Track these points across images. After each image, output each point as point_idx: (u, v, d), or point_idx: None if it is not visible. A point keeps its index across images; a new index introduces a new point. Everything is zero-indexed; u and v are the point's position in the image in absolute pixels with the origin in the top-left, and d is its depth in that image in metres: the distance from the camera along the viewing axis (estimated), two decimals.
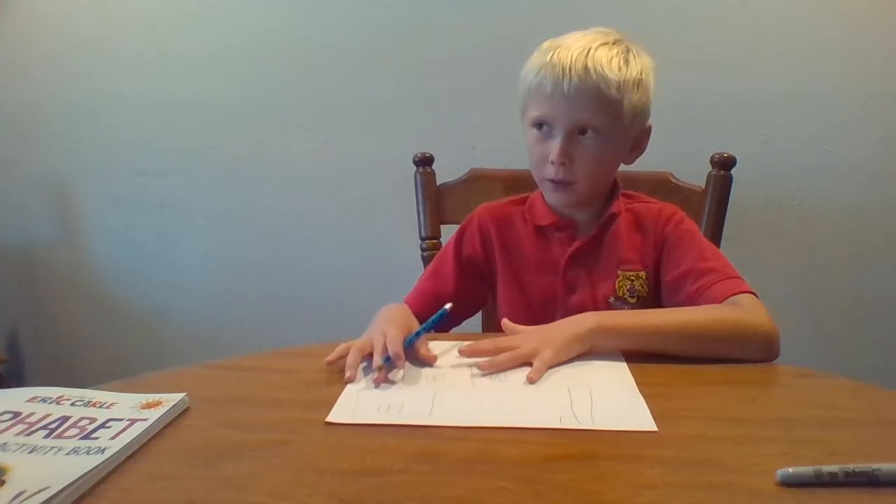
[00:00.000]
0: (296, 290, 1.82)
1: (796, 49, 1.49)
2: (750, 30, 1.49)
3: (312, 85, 1.69)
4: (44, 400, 0.64)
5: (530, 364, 0.73)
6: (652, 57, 0.92)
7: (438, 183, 1.25)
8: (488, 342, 0.78)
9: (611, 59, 0.86)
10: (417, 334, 0.77)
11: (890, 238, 1.55)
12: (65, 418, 0.60)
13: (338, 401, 0.66)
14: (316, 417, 0.62)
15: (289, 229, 1.79)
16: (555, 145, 0.88)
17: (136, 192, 1.84)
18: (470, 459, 0.55)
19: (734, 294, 0.82)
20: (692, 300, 0.87)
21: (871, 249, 1.57)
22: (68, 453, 0.54)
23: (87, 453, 0.54)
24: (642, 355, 0.76)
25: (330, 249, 1.77)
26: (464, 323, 1.03)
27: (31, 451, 0.54)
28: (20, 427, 0.59)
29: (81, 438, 0.57)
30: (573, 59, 0.85)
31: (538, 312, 0.96)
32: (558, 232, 0.97)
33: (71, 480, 0.49)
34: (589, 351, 0.77)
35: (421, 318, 0.87)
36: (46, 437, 0.57)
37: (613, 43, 0.88)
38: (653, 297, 0.95)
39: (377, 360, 0.72)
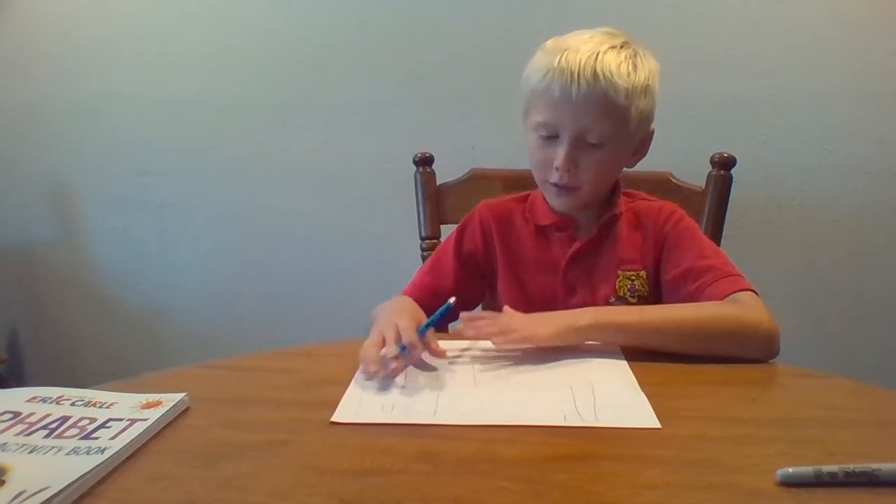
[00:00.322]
0: (296, 290, 1.82)
1: (796, 49, 1.49)
2: (750, 30, 1.49)
3: (312, 85, 1.69)
4: (44, 400, 0.64)
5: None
6: (659, 60, 0.91)
7: (438, 183, 1.25)
8: (485, 317, 0.81)
9: (619, 63, 0.84)
10: (427, 326, 0.77)
11: (890, 238, 1.55)
12: (65, 418, 0.60)
13: (341, 401, 0.66)
14: (316, 417, 0.62)
15: (289, 229, 1.79)
16: (560, 151, 0.87)
17: (136, 192, 1.84)
18: (470, 459, 0.55)
19: (734, 292, 0.82)
20: (692, 299, 0.86)
21: (871, 249, 1.57)
22: (68, 453, 0.54)
23: (87, 453, 0.54)
24: (642, 354, 0.76)
25: (330, 249, 1.77)
26: None
27: (31, 451, 0.54)
28: (20, 427, 0.59)
29: (81, 438, 0.57)
30: (582, 63, 0.83)
31: (539, 307, 0.95)
32: (559, 232, 0.97)
33: (71, 480, 0.49)
34: (584, 343, 0.77)
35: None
36: (46, 437, 0.57)
37: (621, 46, 0.86)
38: (653, 297, 0.95)
39: (392, 349, 0.71)
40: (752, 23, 1.49)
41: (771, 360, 0.77)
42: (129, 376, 0.72)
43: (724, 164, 1.14)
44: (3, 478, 0.50)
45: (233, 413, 0.65)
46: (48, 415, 0.61)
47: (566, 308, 0.84)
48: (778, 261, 1.58)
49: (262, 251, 1.83)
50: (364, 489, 0.50)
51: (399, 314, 0.78)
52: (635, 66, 0.86)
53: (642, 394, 0.66)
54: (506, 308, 0.83)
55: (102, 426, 0.59)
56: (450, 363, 0.76)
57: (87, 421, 0.60)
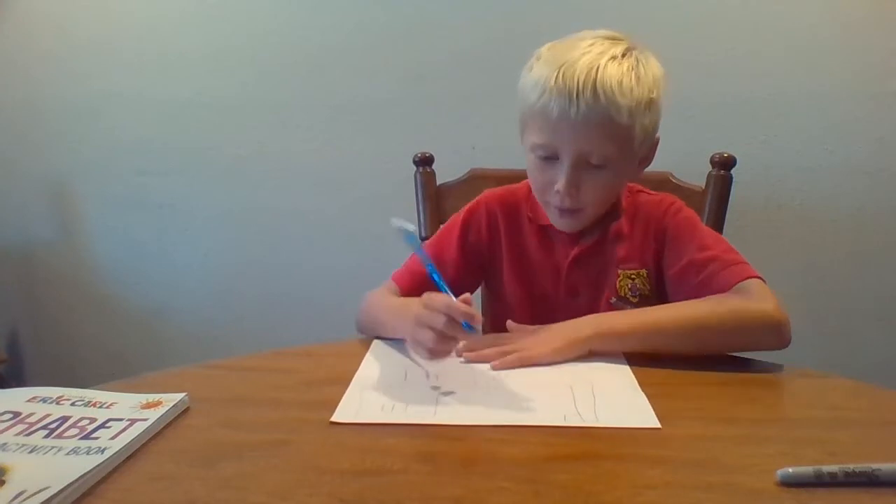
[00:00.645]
0: (296, 290, 1.82)
1: (796, 49, 1.49)
2: (750, 30, 1.49)
3: (312, 85, 1.69)
4: (44, 400, 0.64)
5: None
6: (660, 61, 0.86)
7: (438, 183, 1.25)
8: (485, 339, 0.79)
9: (621, 78, 0.78)
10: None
11: (890, 238, 1.55)
12: (65, 418, 0.60)
13: (341, 401, 0.65)
14: (316, 417, 0.62)
15: (289, 229, 1.79)
16: (561, 176, 0.83)
17: (136, 192, 1.84)
18: (470, 459, 0.55)
19: (740, 281, 0.80)
20: (698, 291, 0.83)
21: (871, 249, 1.57)
22: (68, 453, 0.54)
23: (87, 453, 0.54)
24: (644, 355, 0.76)
25: (330, 249, 1.77)
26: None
27: (31, 451, 0.54)
28: (20, 427, 0.59)
29: (81, 438, 0.56)
30: (580, 81, 0.77)
31: (541, 308, 0.95)
32: (561, 232, 0.95)
33: (71, 480, 0.49)
34: (588, 354, 0.76)
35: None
36: (46, 437, 0.57)
37: (623, 55, 0.81)
38: (655, 295, 0.92)
39: (456, 330, 0.67)
40: (752, 23, 1.49)
41: (783, 349, 0.75)
42: (129, 376, 0.72)
43: (724, 164, 1.14)
44: (3, 478, 0.50)
45: (233, 413, 0.65)
46: (48, 415, 0.61)
47: (567, 310, 0.83)
48: (778, 261, 1.58)
49: (262, 251, 1.83)
50: (364, 489, 0.50)
51: (425, 299, 0.71)
52: (638, 79, 0.80)
53: (642, 394, 0.66)
54: (509, 323, 0.83)
55: (102, 426, 0.59)
56: (450, 363, 0.76)
57: (87, 421, 0.60)
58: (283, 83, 1.70)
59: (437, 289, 0.71)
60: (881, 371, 1.58)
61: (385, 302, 0.86)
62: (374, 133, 1.69)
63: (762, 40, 1.49)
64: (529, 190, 0.97)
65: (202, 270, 1.88)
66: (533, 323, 0.83)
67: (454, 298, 0.68)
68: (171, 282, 1.90)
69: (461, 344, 0.78)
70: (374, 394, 0.68)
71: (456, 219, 1.00)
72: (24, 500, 0.46)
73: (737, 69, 1.51)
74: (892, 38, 1.46)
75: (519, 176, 1.10)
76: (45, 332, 2.02)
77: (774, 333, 0.75)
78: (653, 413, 0.62)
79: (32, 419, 0.60)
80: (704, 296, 0.81)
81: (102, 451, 0.54)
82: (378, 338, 0.85)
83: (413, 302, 0.73)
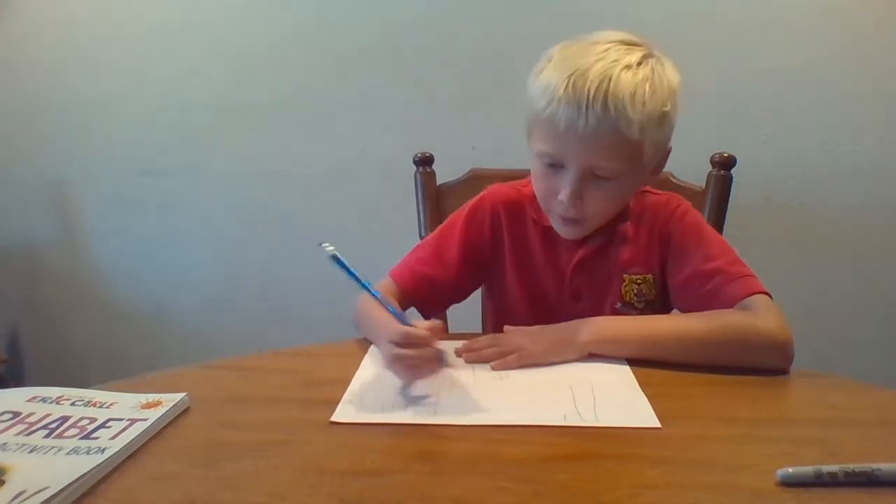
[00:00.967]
0: (296, 290, 1.82)
1: (796, 49, 1.49)
2: (750, 30, 1.49)
3: (312, 85, 1.69)
4: (44, 400, 0.64)
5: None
6: (677, 68, 0.81)
7: (438, 183, 1.25)
8: (484, 339, 0.79)
9: (634, 90, 0.74)
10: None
11: (890, 238, 1.55)
12: (65, 418, 0.60)
13: (341, 401, 0.65)
14: (316, 417, 0.62)
15: (288, 229, 1.79)
16: (565, 185, 0.80)
17: (136, 192, 1.84)
18: (470, 459, 0.55)
19: (746, 296, 0.78)
20: (702, 303, 0.81)
21: (871, 249, 1.57)
22: (68, 453, 0.54)
23: (87, 453, 0.54)
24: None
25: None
26: (464, 324, 1.03)
27: (31, 451, 0.54)
28: (20, 427, 0.59)
29: (81, 438, 0.57)
30: (591, 92, 0.73)
31: (543, 310, 0.94)
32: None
33: (71, 480, 0.49)
34: (585, 358, 0.76)
35: (412, 299, 0.89)
36: (46, 437, 0.57)
37: (638, 63, 0.76)
38: (661, 300, 0.91)
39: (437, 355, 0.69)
40: (752, 23, 1.49)
41: (786, 369, 0.74)
42: (129, 376, 0.72)
43: (724, 164, 1.14)
44: (3, 478, 0.50)
45: (233, 413, 0.65)
46: (48, 415, 0.61)
47: (571, 314, 0.83)
48: (778, 261, 1.58)
49: (262, 251, 1.83)
50: (364, 489, 0.50)
51: (392, 335, 0.68)
52: (653, 92, 0.76)
53: (642, 394, 0.66)
54: (506, 328, 0.83)
55: (102, 426, 0.59)
56: (450, 363, 0.76)
57: (87, 421, 0.60)
58: (283, 83, 1.70)
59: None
60: (881, 371, 1.58)
61: (372, 312, 0.81)
62: (374, 133, 1.69)
63: (762, 40, 1.49)
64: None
65: (202, 271, 1.88)
66: (534, 325, 0.82)
67: (412, 326, 0.67)
68: (170, 282, 1.90)
69: (460, 344, 0.79)
70: (374, 394, 0.68)
71: (459, 215, 0.97)
72: (24, 500, 0.46)
73: (737, 69, 1.51)
74: (892, 38, 1.46)
75: (519, 176, 1.10)
76: (45, 332, 2.02)
77: (778, 355, 0.73)
78: (653, 413, 0.62)
79: (32, 419, 0.60)
80: (709, 308, 0.79)
81: (102, 451, 0.54)
82: None
83: (389, 324, 0.70)
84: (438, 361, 0.69)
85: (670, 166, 1.18)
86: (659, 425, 0.60)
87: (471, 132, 1.62)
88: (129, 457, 0.55)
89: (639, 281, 0.90)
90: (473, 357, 0.76)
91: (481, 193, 0.98)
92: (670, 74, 0.79)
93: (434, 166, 1.25)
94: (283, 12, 1.66)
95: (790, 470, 0.50)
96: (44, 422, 0.60)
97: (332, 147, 1.71)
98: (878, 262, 1.57)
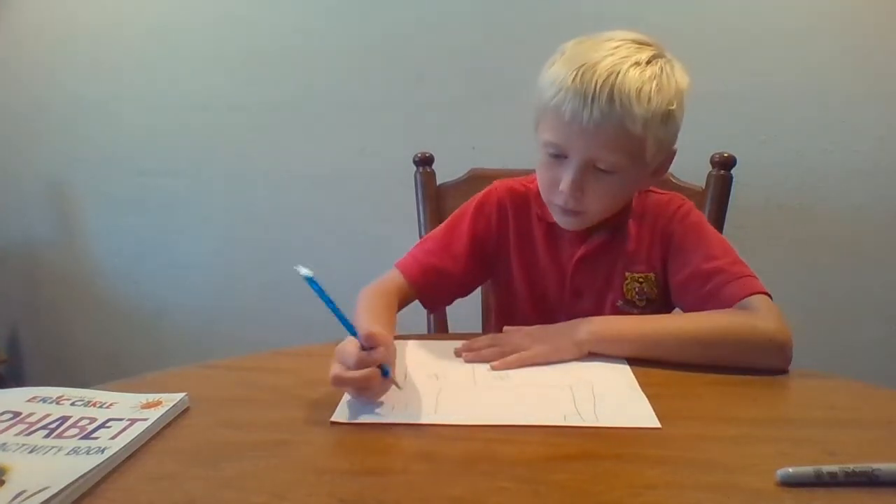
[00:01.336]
0: (296, 290, 1.81)
1: (796, 49, 1.49)
2: (750, 30, 1.49)
3: (312, 85, 1.69)
4: (44, 400, 0.64)
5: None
6: (687, 72, 0.83)
7: (438, 183, 1.25)
8: (483, 339, 0.79)
9: (641, 87, 0.75)
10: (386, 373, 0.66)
11: (890, 238, 1.55)
12: (65, 418, 0.60)
13: (341, 401, 0.65)
14: (316, 417, 0.62)
15: (288, 229, 1.79)
16: (566, 176, 0.80)
17: (136, 192, 1.84)
18: (470, 459, 0.55)
19: (746, 296, 0.78)
20: (702, 303, 0.82)
21: (871, 249, 1.57)
22: (68, 453, 0.54)
23: (87, 453, 0.54)
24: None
25: (330, 249, 1.77)
26: (464, 323, 1.03)
27: (31, 451, 0.54)
28: (20, 427, 0.59)
29: (81, 438, 0.57)
30: (598, 85, 0.74)
31: (544, 307, 0.94)
32: (568, 231, 0.92)
33: (71, 480, 0.49)
34: (587, 355, 0.76)
35: (419, 290, 0.90)
36: (46, 437, 0.57)
37: (647, 62, 0.77)
38: (662, 299, 0.91)
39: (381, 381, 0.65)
40: (752, 22, 1.49)
41: (785, 370, 0.74)
42: (129, 376, 0.72)
43: (724, 164, 1.14)
44: (3, 478, 0.50)
45: (233, 413, 0.65)
46: (48, 415, 0.61)
47: (571, 312, 0.83)
48: (778, 261, 1.58)
49: (262, 251, 1.83)
50: (364, 489, 0.50)
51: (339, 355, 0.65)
52: (659, 89, 0.77)
53: (642, 394, 0.66)
54: (506, 328, 0.83)
55: (102, 426, 0.59)
56: (450, 363, 0.76)
57: (87, 421, 0.60)
58: (283, 83, 1.70)
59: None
60: (881, 371, 1.58)
61: (363, 314, 0.81)
62: (374, 133, 1.69)
63: (762, 40, 1.49)
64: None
65: (202, 270, 1.88)
66: (536, 321, 0.82)
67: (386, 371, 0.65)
68: (170, 282, 1.90)
69: (460, 344, 0.79)
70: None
71: (466, 208, 0.97)
72: (24, 500, 0.46)
73: (737, 69, 1.51)
74: (892, 38, 1.46)
75: (519, 175, 1.11)
76: (45, 332, 2.02)
77: (777, 356, 0.74)
78: (653, 413, 0.62)
79: (32, 419, 0.60)
80: (708, 308, 0.80)
81: (102, 451, 0.54)
82: None
83: (347, 342, 0.67)
84: (382, 384, 0.65)
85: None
86: (659, 425, 0.60)
87: (471, 132, 1.62)
88: (129, 457, 0.55)
89: (640, 279, 0.90)
90: (473, 357, 0.77)
91: (489, 187, 0.99)
92: (679, 76, 0.81)
93: (434, 166, 1.25)
94: (284, 13, 1.66)
95: (790, 470, 0.50)
96: (44, 422, 0.60)
97: (332, 147, 1.71)
98: (878, 262, 1.57)
